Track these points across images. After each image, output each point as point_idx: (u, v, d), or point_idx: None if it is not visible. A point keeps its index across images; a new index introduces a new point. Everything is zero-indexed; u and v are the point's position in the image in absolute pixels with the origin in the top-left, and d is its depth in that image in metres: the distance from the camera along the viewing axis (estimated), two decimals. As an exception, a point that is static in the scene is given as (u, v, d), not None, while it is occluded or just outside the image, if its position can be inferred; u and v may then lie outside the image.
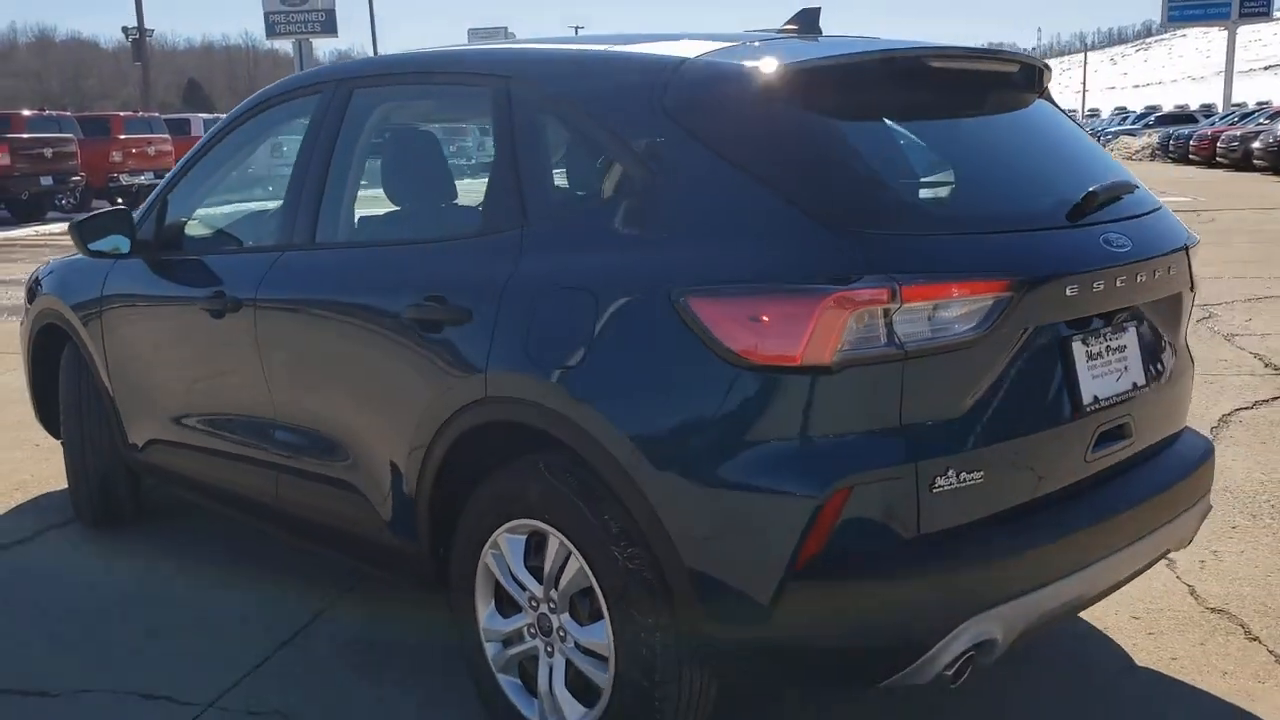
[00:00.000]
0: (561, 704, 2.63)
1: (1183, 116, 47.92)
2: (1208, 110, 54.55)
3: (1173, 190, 22.11)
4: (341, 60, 3.69)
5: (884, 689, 2.33)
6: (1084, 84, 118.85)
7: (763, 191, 2.31)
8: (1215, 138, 30.01)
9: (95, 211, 3.90)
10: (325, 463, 3.22)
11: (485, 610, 2.79)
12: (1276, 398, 6.12)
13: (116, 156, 21.93)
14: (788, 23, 3.05)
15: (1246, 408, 5.95)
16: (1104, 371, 2.56)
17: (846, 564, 2.20)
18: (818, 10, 3.00)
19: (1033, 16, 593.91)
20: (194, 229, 3.88)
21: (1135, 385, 2.64)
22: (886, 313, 2.16)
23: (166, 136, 23.74)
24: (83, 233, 3.78)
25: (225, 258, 3.65)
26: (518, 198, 2.71)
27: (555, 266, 2.57)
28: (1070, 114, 3.16)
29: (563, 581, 2.57)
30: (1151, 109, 66.62)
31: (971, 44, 3.43)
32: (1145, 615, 3.50)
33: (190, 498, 4.08)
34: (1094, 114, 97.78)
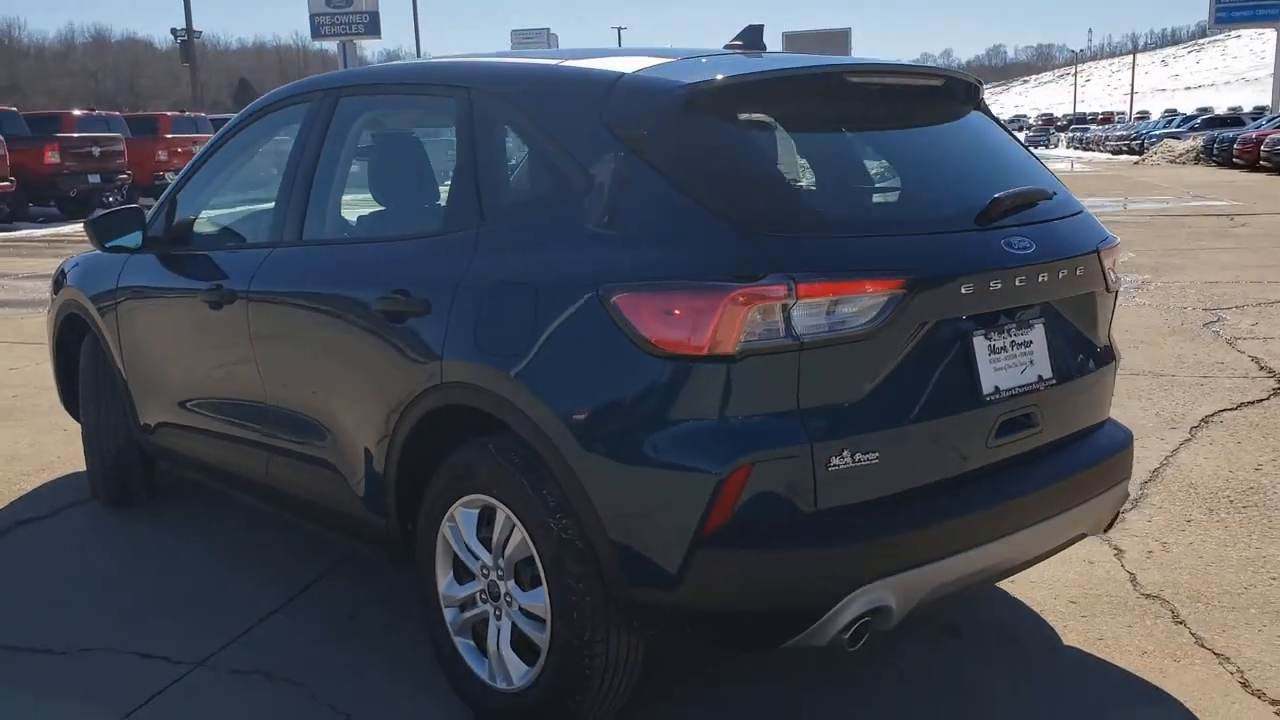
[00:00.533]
0: (507, 663, 2.87)
1: (1231, 119, 47.31)
2: (1259, 113, 53.81)
3: (1209, 194, 22.02)
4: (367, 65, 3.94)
5: (787, 650, 2.56)
6: (1131, 86, 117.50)
7: (682, 197, 2.54)
8: (1260, 140, 29.69)
9: (110, 209, 4.20)
10: (309, 443, 3.48)
11: (444, 579, 3.04)
12: (1262, 400, 6.23)
13: (162, 155, 22.57)
14: (734, 39, 3.27)
15: (1231, 409, 6.07)
16: (1008, 365, 2.76)
17: (749, 535, 2.43)
18: (761, 27, 3.23)
19: (1084, 18, 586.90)
20: (199, 226, 4.17)
21: (1041, 378, 2.84)
22: (785, 307, 2.38)
23: (211, 135, 24.24)
24: (97, 229, 4.08)
25: (225, 253, 3.93)
26: (475, 199, 2.97)
27: (503, 263, 2.82)
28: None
29: (508, 550, 2.81)
30: (1203, 111, 65.84)
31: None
32: (1082, 600, 3.69)
33: (195, 477, 4.37)
34: (1143, 116, 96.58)
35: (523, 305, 2.70)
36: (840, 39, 44.89)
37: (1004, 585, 3.78)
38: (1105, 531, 3.27)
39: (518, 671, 2.85)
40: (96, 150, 21.08)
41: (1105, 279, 3.06)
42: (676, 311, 2.41)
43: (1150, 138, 47.58)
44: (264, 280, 3.57)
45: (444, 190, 3.10)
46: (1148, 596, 3.69)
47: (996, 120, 3.30)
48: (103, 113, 24.07)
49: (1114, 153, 52.77)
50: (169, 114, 25.99)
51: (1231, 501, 4.60)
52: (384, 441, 3.11)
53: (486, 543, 2.89)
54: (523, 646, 2.85)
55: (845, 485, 2.48)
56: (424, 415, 2.97)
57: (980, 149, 3.09)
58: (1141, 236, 15.00)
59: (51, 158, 20.40)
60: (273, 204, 3.72)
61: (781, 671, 3.22)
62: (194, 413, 4.07)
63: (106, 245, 4.10)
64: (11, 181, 19.28)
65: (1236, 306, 9.27)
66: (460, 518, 2.93)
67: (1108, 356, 3.18)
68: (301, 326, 3.43)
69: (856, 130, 3.04)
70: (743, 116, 2.70)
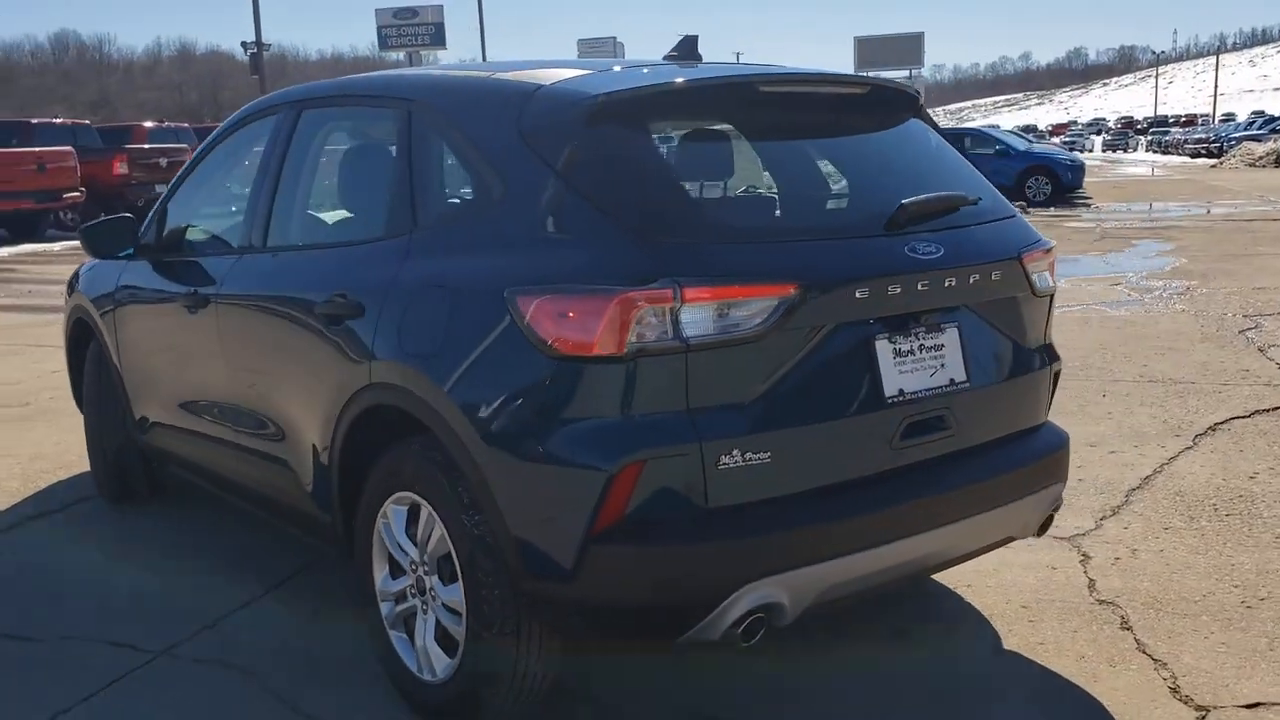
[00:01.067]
0: (431, 655, 2.97)
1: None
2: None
3: (1275, 196, 21.46)
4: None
5: (682, 644, 2.61)
6: (1215, 87, 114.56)
7: (583, 203, 2.62)
8: (1341, 143, 28.83)
9: (103, 219, 4.40)
10: (269, 441, 3.62)
11: (380, 574, 3.14)
12: (1277, 408, 6.11)
13: (122, 168, 22.82)
14: (671, 50, 3.34)
15: (1243, 416, 5.97)
16: (915, 368, 2.79)
17: (641, 531, 2.49)
18: (695, 38, 3.29)
19: (1169, 19, 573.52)
20: (184, 234, 4.34)
21: (953, 381, 2.86)
22: (672, 311, 2.45)
23: (185, 147, 24.71)
24: (88, 237, 4.28)
25: (201, 259, 4.09)
26: (410, 207, 3.08)
27: (427, 268, 2.92)
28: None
29: (430, 546, 2.91)
30: (1288, 112, 63.93)
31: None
32: (1034, 605, 3.68)
33: (184, 475, 4.54)
34: (1228, 118, 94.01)
35: (441, 308, 2.81)
36: (913, 43, 44.50)
37: (958, 589, 3.79)
38: (1038, 535, 3.27)
39: (440, 664, 2.94)
40: (163, 161, 21.80)
41: (1030, 283, 3.07)
42: (570, 314, 2.49)
43: (1230, 141, 46.43)
44: (231, 284, 3.72)
45: (386, 198, 3.22)
46: (1102, 602, 3.67)
47: (936, 129, 3.32)
48: (172, 125, 24.75)
49: (1192, 156, 51.54)
50: (147, 125, 26.45)
51: (1216, 509, 4.54)
52: (327, 439, 3.23)
53: (415, 539, 2.99)
54: (446, 640, 2.94)
55: (737, 483, 2.53)
56: (359, 414, 3.08)
57: (905, 157, 3.13)
58: (1200, 242, 14.70)
59: (120, 169, 21.21)
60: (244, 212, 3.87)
61: (716, 662, 3.28)
62: (178, 412, 4.24)
63: (97, 252, 4.29)
64: (81, 191, 20.05)
65: (1277, 313, 9.07)
66: (392, 514, 3.04)
67: (1040, 360, 3.19)
68: (260, 328, 3.57)
69: (769, 139, 3.09)
70: (649, 126, 2.77)
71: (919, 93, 3.30)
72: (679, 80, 2.86)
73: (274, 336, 3.49)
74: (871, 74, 3.46)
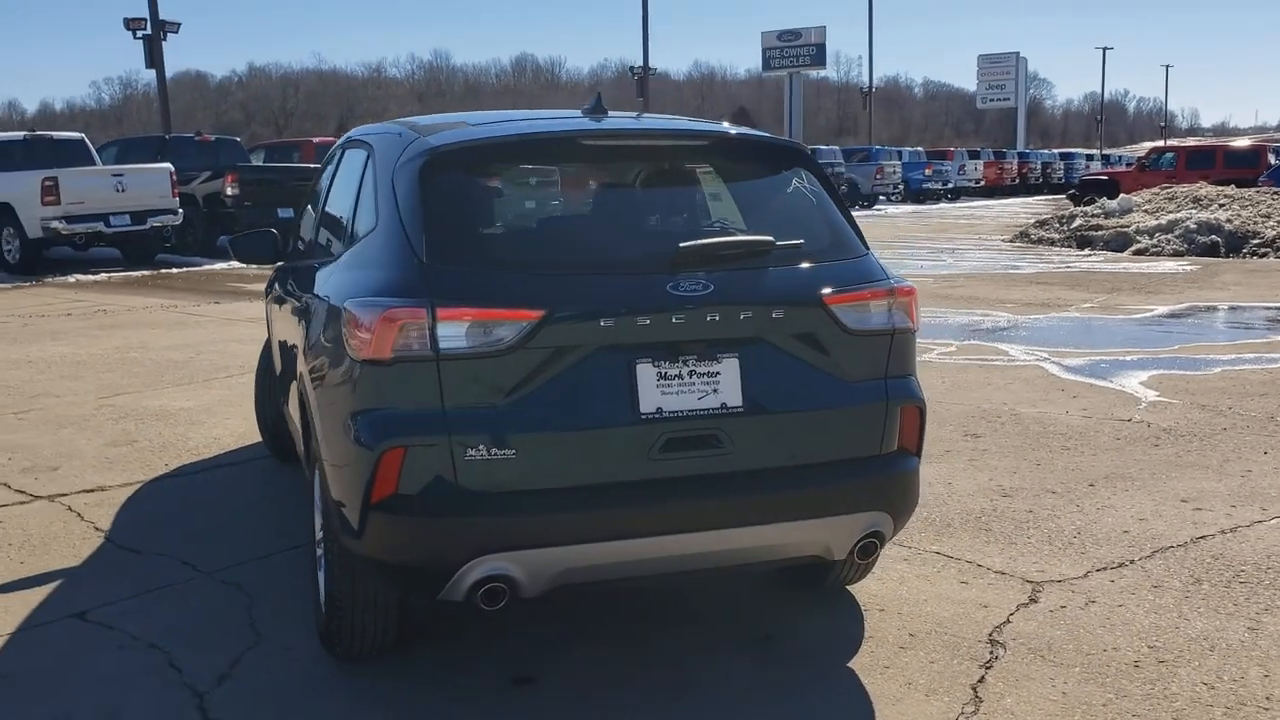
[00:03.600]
0: (321, 593, 3.68)
1: None
2: None
3: None
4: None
5: (443, 600, 3.15)
6: None
7: (402, 235, 3.22)
8: None
9: (246, 232, 5.51)
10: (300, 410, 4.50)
11: (316, 524, 3.90)
12: None
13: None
14: (587, 105, 3.81)
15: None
16: (680, 390, 3.13)
17: (403, 504, 3.04)
18: (598, 95, 3.76)
19: None
20: (293, 244, 5.34)
21: (725, 406, 3.16)
22: (429, 326, 3.00)
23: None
24: (234, 246, 5.39)
25: (292, 265, 5.07)
26: (351, 229, 3.82)
27: (335, 278, 3.65)
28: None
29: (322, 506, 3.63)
30: None
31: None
32: (926, 633, 3.78)
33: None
34: None
35: (322, 310, 3.53)
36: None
37: (869, 610, 3.96)
38: (862, 560, 3.44)
39: (322, 602, 3.65)
40: None
41: (838, 322, 3.28)
42: (361, 323, 3.10)
43: None
44: (299, 286, 4.65)
45: (346, 222, 3.98)
46: (992, 643, 3.71)
47: (816, 176, 3.58)
48: None
49: None
50: None
51: (1236, 576, 4.29)
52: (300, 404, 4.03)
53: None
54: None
55: (483, 473, 3.02)
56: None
57: (722, 203, 3.44)
58: None
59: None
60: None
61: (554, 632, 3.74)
62: (280, 392, 5.26)
63: (240, 258, 5.40)
64: None
65: None
66: (316, 480, 3.79)
67: (871, 394, 3.36)
68: (304, 321, 4.45)
69: (584, 185, 3.51)
70: (468, 173, 3.33)
71: (786, 143, 3.58)
72: (503, 134, 3.40)
73: (302, 331, 4.36)
74: (733, 127, 3.73)
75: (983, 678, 3.47)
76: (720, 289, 3.15)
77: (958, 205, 39.99)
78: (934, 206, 39.03)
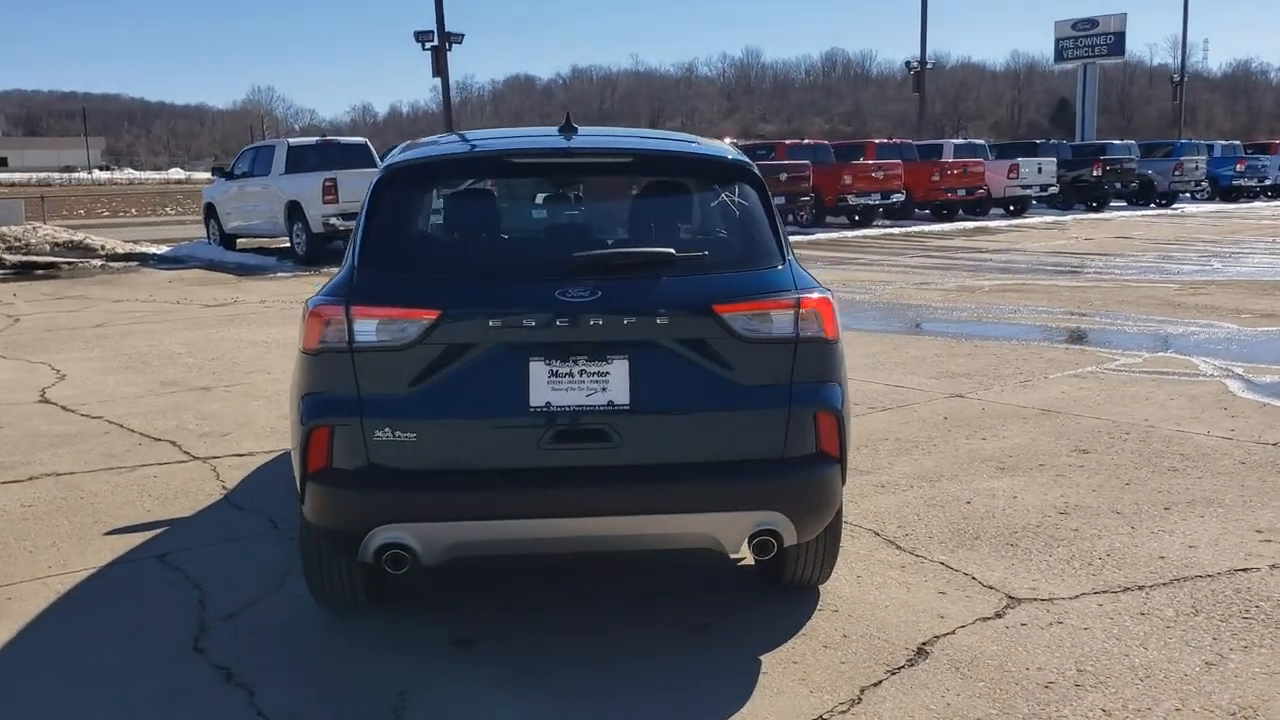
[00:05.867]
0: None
1: None
2: None
3: None
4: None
5: (362, 562, 3.59)
6: None
7: (354, 244, 3.69)
8: None
9: None
10: None
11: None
12: None
13: (847, 180, 25.08)
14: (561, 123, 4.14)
15: None
16: (570, 387, 3.41)
17: (328, 476, 3.52)
18: (568, 114, 4.07)
19: None
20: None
21: (612, 404, 3.42)
22: (347, 322, 3.45)
23: (897, 162, 26.32)
24: None
25: None
26: None
27: None
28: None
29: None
30: None
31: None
32: (859, 634, 3.86)
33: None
34: None
35: None
36: None
37: (824, 610, 4.07)
38: (760, 557, 3.60)
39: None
40: (880, 174, 25.67)
41: (729, 330, 3.45)
42: (304, 318, 3.59)
43: None
44: None
45: None
46: (915, 650, 3.74)
47: (730, 192, 3.76)
48: (897, 141, 29.67)
49: None
50: (876, 141, 28.61)
51: (1243, 612, 4.05)
52: None
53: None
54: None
55: (389, 452, 3.44)
56: None
57: (643, 217, 3.68)
58: None
59: (845, 180, 25.32)
60: None
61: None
62: None
63: None
64: (811, 197, 24.30)
65: None
66: None
67: (769, 399, 3.50)
68: None
69: (514, 198, 3.82)
70: (415, 188, 3.75)
71: (716, 157, 3.79)
72: (443, 154, 3.79)
73: None
74: (677, 142, 3.93)
75: (879, 682, 3.53)
76: (608, 296, 3.42)
77: (1275, 204, 36.43)
78: (1243, 205, 35.74)
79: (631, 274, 3.50)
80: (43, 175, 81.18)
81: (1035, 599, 4.18)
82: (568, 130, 4.05)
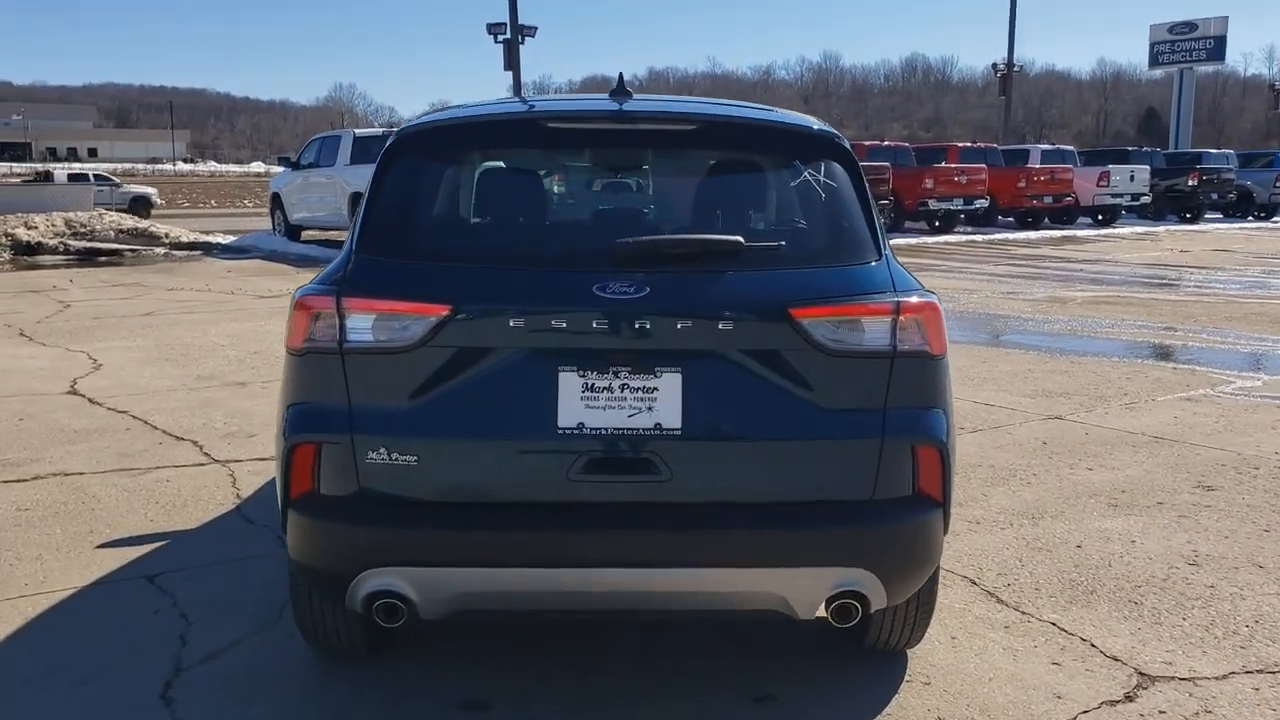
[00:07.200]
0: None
1: None
2: None
3: None
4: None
5: (353, 610, 2.94)
6: None
7: (356, 224, 3.05)
8: None
9: None
10: None
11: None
12: None
13: (928, 183, 24.10)
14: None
15: None
16: (608, 404, 2.74)
17: (312, 503, 2.88)
18: (620, 75, 3.38)
19: None
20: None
21: (659, 426, 2.74)
22: (338, 317, 2.81)
23: (981, 167, 25.23)
24: None
25: None
26: None
27: None
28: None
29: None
30: None
31: None
32: (955, 713, 3.15)
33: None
34: None
35: None
36: None
37: (913, 679, 3.36)
38: (838, 624, 2.88)
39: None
40: (962, 178, 24.75)
41: (808, 338, 2.75)
42: (291, 311, 2.96)
43: None
44: None
45: None
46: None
47: (816, 170, 3.04)
48: (981, 145, 28.52)
49: None
50: (959, 145, 27.50)
51: None
52: None
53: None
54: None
55: (385, 478, 2.79)
56: None
57: (709, 198, 2.98)
58: None
59: (926, 183, 24.44)
60: None
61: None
62: None
63: None
64: (890, 201, 23.55)
65: None
66: None
67: (856, 427, 2.80)
68: None
69: (544, 173, 3.12)
70: (430, 159, 3.08)
71: (801, 128, 3.06)
72: (471, 116, 3.12)
73: None
74: (750, 110, 3.23)
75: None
76: (658, 293, 2.74)
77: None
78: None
79: (688, 267, 2.82)
80: (126, 166, 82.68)
81: (1173, 677, 3.43)
82: (620, 94, 3.37)
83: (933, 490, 2.90)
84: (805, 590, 2.82)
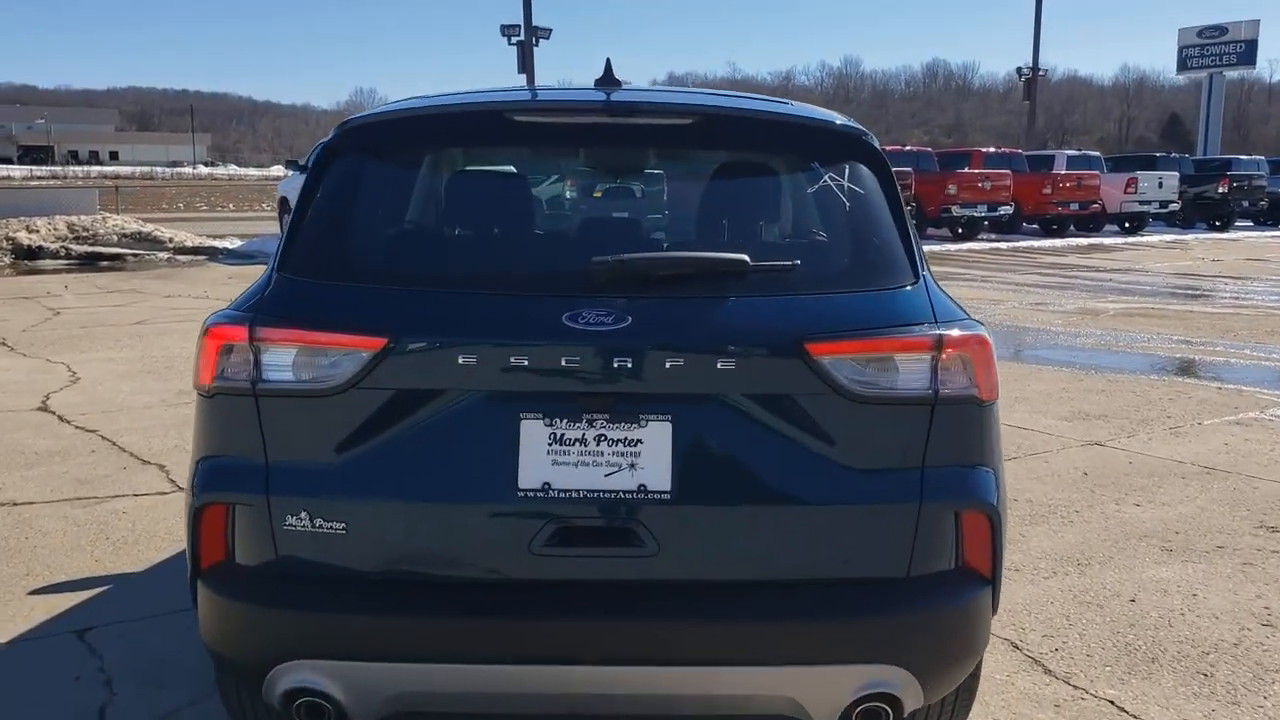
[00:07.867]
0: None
1: None
2: None
3: None
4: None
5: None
6: None
7: (282, 235, 2.54)
8: None
9: None
10: None
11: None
12: None
13: (951, 189, 23.46)
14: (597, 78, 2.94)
15: None
16: (580, 460, 2.22)
17: (220, 576, 2.35)
18: (608, 61, 2.87)
19: None
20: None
21: (644, 488, 2.21)
22: (254, 351, 2.29)
23: (1006, 173, 24.57)
24: None
25: None
26: None
27: None
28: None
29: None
30: None
31: None
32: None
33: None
34: None
35: None
36: None
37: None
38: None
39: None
40: (986, 184, 24.00)
41: (826, 380, 2.21)
42: (200, 341, 2.43)
43: None
44: None
45: None
46: None
47: (841, 175, 2.51)
48: (1006, 150, 28.04)
49: None
50: (983, 150, 26.85)
51: None
52: None
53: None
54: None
55: (308, 549, 2.28)
56: None
57: (710, 206, 2.44)
58: None
59: (949, 189, 23.71)
60: None
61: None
62: None
63: None
64: (912, 207, 22.78)
65: None
66: None
67: (886, 490, 2.27)
68: None
69: (511, 176, 2.60)
70: (374, 158, 2.54)
71: (824, 124, 2.51)
72: (423, 109, 2.58)
73: None
74: (761, 102, 2.68)
75: None
76: (642, 323, 2.21)
77: None
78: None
79: (681, 291, 2.30)
80: (146, 169, 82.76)
81: (1260, 777, 2.88)
82: (607, 82, 2.85)
83: (980, 565, 2.37)
84: (824, 693, 2.28)
